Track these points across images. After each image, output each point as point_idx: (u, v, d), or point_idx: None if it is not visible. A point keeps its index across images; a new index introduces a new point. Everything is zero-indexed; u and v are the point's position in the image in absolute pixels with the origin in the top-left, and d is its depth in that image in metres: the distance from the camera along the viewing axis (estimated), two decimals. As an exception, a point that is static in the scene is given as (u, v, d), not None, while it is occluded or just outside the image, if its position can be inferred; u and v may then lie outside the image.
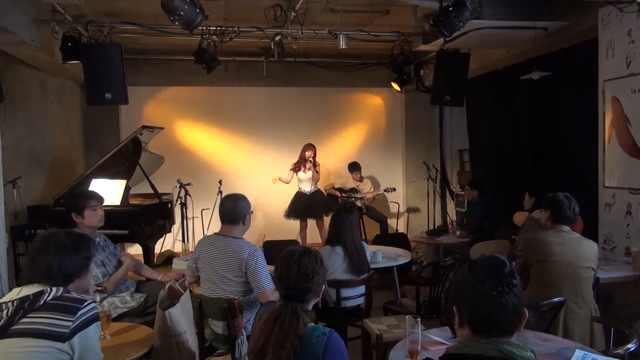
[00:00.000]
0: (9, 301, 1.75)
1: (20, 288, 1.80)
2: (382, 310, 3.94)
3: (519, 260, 3.06)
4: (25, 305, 1.73)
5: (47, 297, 1.76)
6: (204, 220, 6.57)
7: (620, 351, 2.16)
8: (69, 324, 1.73)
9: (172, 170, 6.32)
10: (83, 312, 1.77)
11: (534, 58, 5.05)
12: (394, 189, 6.94)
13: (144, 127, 5.30)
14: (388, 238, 6.09)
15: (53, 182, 5.96)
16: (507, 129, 6.66)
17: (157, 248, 5.56)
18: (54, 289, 1.78)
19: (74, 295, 1.84)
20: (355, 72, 7.57)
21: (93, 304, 1.83)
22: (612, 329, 2.56)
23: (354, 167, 6.92)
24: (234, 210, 3.03)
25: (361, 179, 6.98)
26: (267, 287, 2.87)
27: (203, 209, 6.63)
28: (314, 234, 6.97)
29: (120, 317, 3.09)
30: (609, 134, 4.10)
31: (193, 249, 6.30)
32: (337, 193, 6.84)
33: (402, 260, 4.37)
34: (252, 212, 3.16)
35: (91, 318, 1.79)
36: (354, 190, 6.86)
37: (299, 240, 6.65)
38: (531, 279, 3.01)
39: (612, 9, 3.99)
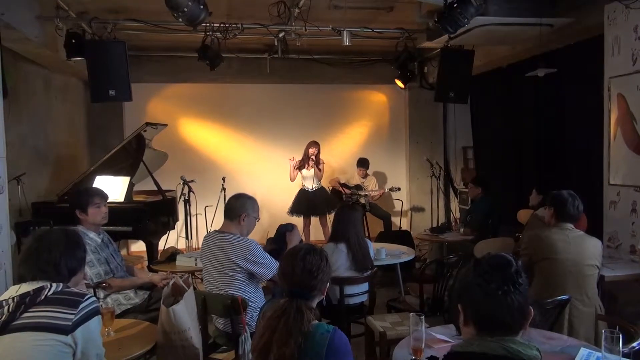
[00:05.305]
0: (9, 298, 1.76)
1: (18, 285, 1.81)
2: (385, 308, 3.93)
3: (523, 258, 3.05)
4: (26, 301, 1.74)
5: (48, 292, 1.77)
6: (207, 217, 6.58)
7: (625, 349, 2.14)
8: (71, 317, 1.74)
9: (175, 167, 6.33)
10: (85, 305, 1.78)
11: (539, 55, 5.03)
12: (399, 189, 6.93)
13: (147, 124, 5.31)
14: (391, 235, 6.09)
15: (57, 178, 5.97)
16: (512, 126, 6.64)
17: (161, 245, 5.57)
18: (54, 284, 1.79)
19: (74, 289, 1.85)
20: (358, 69, 7.55)
21: (93, 298, 1.84)
22: (617, 327, 2.55)
23: (361, 163, 6.93)
24: (232, 206, 3.07)
25: (366, 176, 6.98)
26: (271, 274, 2.93)
27: (206, 206, 6.64)
28: (317, 231, 6.98)
29: (124, 314, 3.09)
30: (614, 132, 4.07)
31: (196, 246, 6.35)
32: (342, 189, 6.84)
33: (405, 258, 4.37)
34: (259, 219, 3.15)
35: (93, 311, 1.80)
36: (358, 187, 6.86)
37: (303, 237, 6.65)
38: (535, 276, 3.00)
39: (618, 5, 3.96)
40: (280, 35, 5.61)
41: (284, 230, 3.43)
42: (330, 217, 6.47)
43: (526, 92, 6.09)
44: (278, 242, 3.41)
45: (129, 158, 5.47)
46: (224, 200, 6.13)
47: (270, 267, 2.95)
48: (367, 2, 5.08)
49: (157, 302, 3.03)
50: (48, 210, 4.95)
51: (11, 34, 4.32)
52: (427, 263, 5.34)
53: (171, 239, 6.29)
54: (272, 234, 6.38)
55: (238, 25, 5.14)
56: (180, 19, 4.00)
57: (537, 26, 4.60)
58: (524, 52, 5.54)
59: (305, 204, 6.70)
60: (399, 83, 7.01)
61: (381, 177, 7.73)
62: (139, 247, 6.74)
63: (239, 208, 3.04)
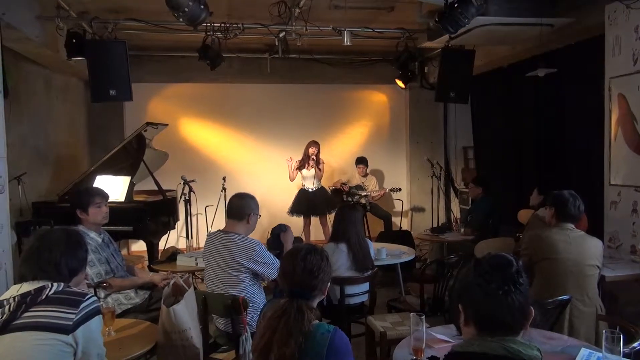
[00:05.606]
0: (10, 297, 1.76)
1: (19, 285, 1.81)
2: (386, 308, 3.93)
3: (523, 258, 3.05)
4: (27, 300, 1.74)
5: (49, 291, 1.77)
6: (207, 217, 6.58)
7: (626, 350, 2.14)
8: (72, 316, 1.74)
9: (176, 167, 6.33)
10: (85, 305, 1.78)
11: (540, 55, 5.04)
12: (400, 189, 6.94)
13: (148, 123, 5.31)
14: (392, 235, 6.09)
15: (58, 178, 5.98)
16: (512, 126, 6.64)
17: (161, 245, 5.57)
18: (55, 284, 1.79)
19: (75, 289, 1.85)
20: (359, 69, 7.55)
21: (94, 298, 1.84)
22: (618, 327, 2.55)
23: (361, 160, 6.95)
24: (239, 206, 3.08)
25: (366, 175, 6.98)
26: (275, 274, 2.93)
27: (207, 206, 6.65)
28: (317, 231, 6.98)
29: (124, 314, 3.09)
30: (615, 132, 4.07)
31: (197, 246, 6.35)
32: (342, 187, 6.85)
33: (406, 258, 4.37)
34: (260, 215, 3.17)
35: (93, 311, 1.80)
36: (359, 187, 6.86)
37: (303, 237, 6.66)
38: (536, 276, 3.00)
39: (619, 5, 3.96)
40: (281, 35, 5.61)
41: (279, 232, 3.43)
42: (330, 217, 6.47)
43: (526, 92, 6.09)
44: (275, 245, 3.41)
45: (129, 158, 5.47)
46: (225, 200, 6.14)
47: (274, 267, 2.97)
48: (367, 2, 5.08)
49: (157, 301, 3.04)
50: (49, 210, 4.95)
51: (12, 33, 4.32)
52: (428, 263, 5.34)
53: (172, 239, 6.29)
54: (272, 234, 6.35)
55: (239, 25, 5.14)
56: (181, 19, 4.00)
57: (537, 26, 4.60)
58: (524, 52, 5.54)
59: (305, 204, 6.71)
60: (400, 83, 7.01)
61: (382, 177, 7.73)
62: (139, 246, 6.74)
63: (246, 208, 3.07)
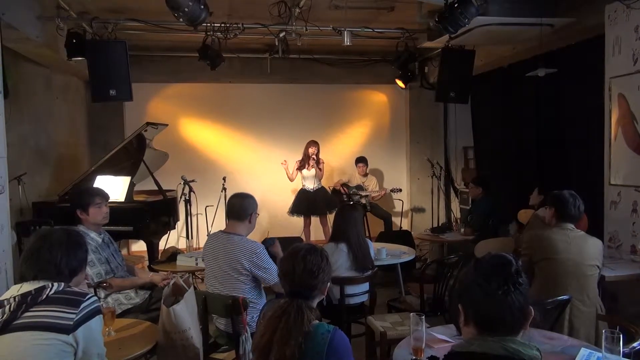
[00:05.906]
0: (10, 297, 1.76)
1: (20, 285, 1.81)
2: (386, 308, 3.93)
3: (523, 258, 3.05)
4: (28, 300, 1.74)
5: (49, 291, 1.77)
6: (208, 217, 6.58)
7: (626, 349, 2.14)
8: (73, 316, 1.74)
9: (176, 167, 6.33)
10: (86, 305, 1.78)
11: (540, 55, 5.03)
12: (400, 190, 6.94)
13: (148, 123, 5.31)
14: (392, 235, 6.09)
15: (58, 178, 5.98)
16: (512, 126, 6.64)
17: (161, 245, 5.57)
18: (55, 284, 1.79)
19: (76, 289, 1.85)
20: (359, 69, 7.55)
21: (95, 298, 1.85)
22: (618, 327, 2.55)
23: (361, 159, 6.95)
24: (241, 206, 3.08)
25: (366, 175, 6.98)
26: (273, 281, 2.94)
27: (207, 206, 6.65)
28: (317, 231, 6.98)
29: (124, 314, 3.09)
30: (615, 132, 4.07)
31: (197, 246, 6.35)
32: (342, 188, 6.85)
33: (406, 258, 4.37)
34: (259, 214, 3.19)
35: (94, 311, 1.81)
36: (359, 187, 6.86)
37: (303, 237, 6.66)
38: (536, 276, 3.00)
39: (619, 5, 3.96)
40: (281, 35, 5.61)
41: (267, 246, 3.41)
42: (330, 217, 6.47)
43: (527, 92, 6.09)
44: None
45: (129, 158, 5.47)
46: (225, 200, 6.14)
47: (272, 273, 2.96)
48: (367, 2, 5.08)
49: (157, 301, 3.03)
50: (49, 210, 4.95)
51: (12, 34, 4.32)
52: (428, 263, 5.33)
53: (172, 239, 6.29)
54: (272, 234, 6.41)
55: (239, 25, 5.14)
56: (181, 19, 4.00)
57: (537, 26, 4.60)
58: (524, 52, 5.54)
59: (306, 203, 6.71)
60: (400, 83, 7.01)
61: (381, 177, 7.73)
62: (139, 246, 6.75)
63: (248, 207, 3.08)
